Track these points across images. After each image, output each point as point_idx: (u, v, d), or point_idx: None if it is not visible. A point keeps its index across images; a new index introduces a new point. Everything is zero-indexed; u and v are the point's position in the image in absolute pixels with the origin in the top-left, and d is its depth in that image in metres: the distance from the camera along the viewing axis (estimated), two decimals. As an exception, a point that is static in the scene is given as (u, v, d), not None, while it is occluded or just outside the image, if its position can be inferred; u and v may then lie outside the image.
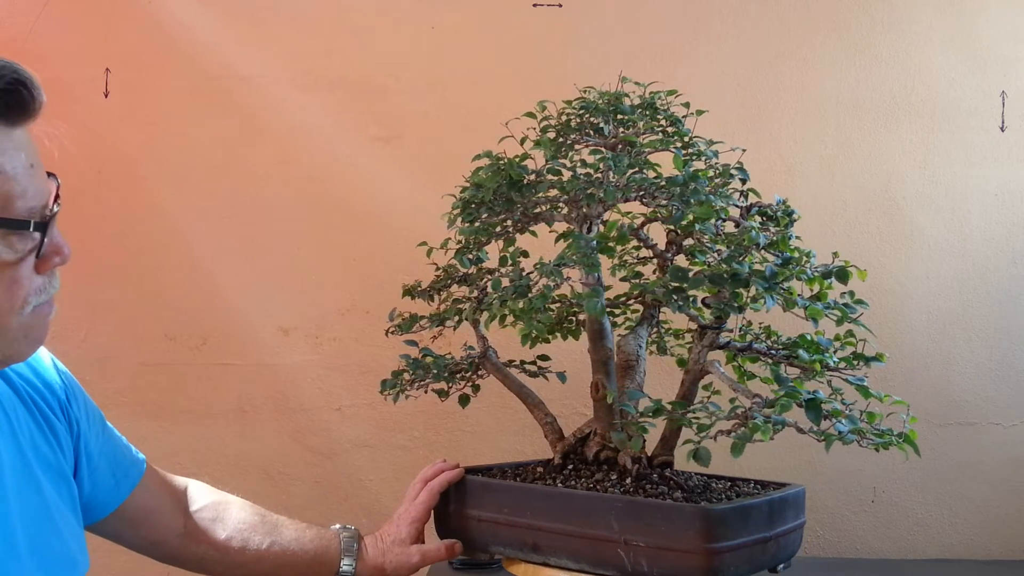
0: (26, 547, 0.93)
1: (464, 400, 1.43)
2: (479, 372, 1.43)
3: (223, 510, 1.26)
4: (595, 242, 1.23)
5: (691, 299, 1.23)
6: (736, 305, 1.17)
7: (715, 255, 1.22)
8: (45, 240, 0.87)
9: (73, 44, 2.00)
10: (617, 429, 1.29)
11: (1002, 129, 1.98)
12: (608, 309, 1.42)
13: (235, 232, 1.99)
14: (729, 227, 1.26)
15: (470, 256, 1.36)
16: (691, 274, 1.18)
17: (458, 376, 1.41)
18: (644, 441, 1.20)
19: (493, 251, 1.36)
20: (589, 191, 1.23)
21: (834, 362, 1.17)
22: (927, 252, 1.98)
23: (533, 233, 1.33)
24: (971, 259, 1.98)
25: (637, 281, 1.32)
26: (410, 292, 1.45)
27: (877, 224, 1.98)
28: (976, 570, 1.85)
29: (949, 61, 1.99)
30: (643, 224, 1.30)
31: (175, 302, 1.98)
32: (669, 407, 1.15)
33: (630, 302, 1.46)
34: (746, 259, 1.17)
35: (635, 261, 1.41)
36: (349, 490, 1.96)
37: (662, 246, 1.35)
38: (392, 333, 1.42)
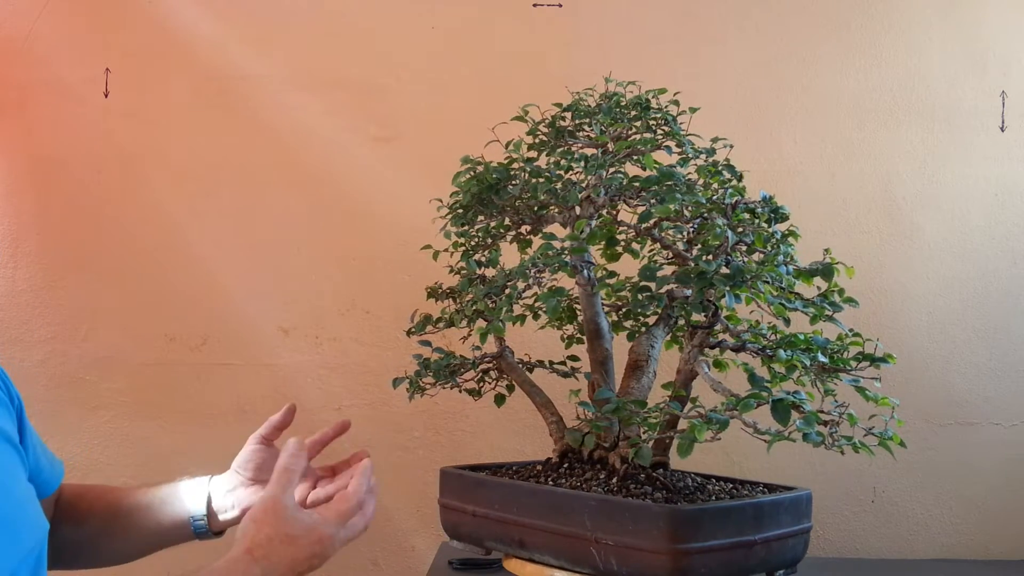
0: None
1: (499, 399, 1.47)
2: (501, 372, 1.45)
3: (80, 511, 1.19)
4: (577, 242, 1.23)
5: (660, 299, 1.23)
6: (700, 303, 1.17)
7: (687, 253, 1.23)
8: None
9: (73, 44, 2.00)
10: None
11: (1002, 129, 1.98)
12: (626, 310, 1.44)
13: (235, 232, 2.00)
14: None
15: (479, 258, 1.38)
16: (659, 273, 1.19)
17: (456, 376, 1.42)
18: (593, 440, 1.21)
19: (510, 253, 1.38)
20: (562, 193, 1.24)
21: (827, 361, 1.17)
22: (927, 252, 1.98)
23: (549, 235, 1.33)
24: (971, 259, 1.98)
25: (608, 282, 1.32)
26: (433, 294, 1.47)
27: (877, 224, 1.98)
28: (976, 570, 1.85)
29: (949, 61, 1.99)
30: (655, 224, 1.30)
31: (175, 302, 1.98)
32: (632, 406, 1.15)
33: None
34: (717, 257, 1.17)
35: (665, 261, 1.39)
36: (349, 490, 1.96)
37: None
38: (412, 333, 1.44)
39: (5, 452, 1.00)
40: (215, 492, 1.18)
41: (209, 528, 1.17)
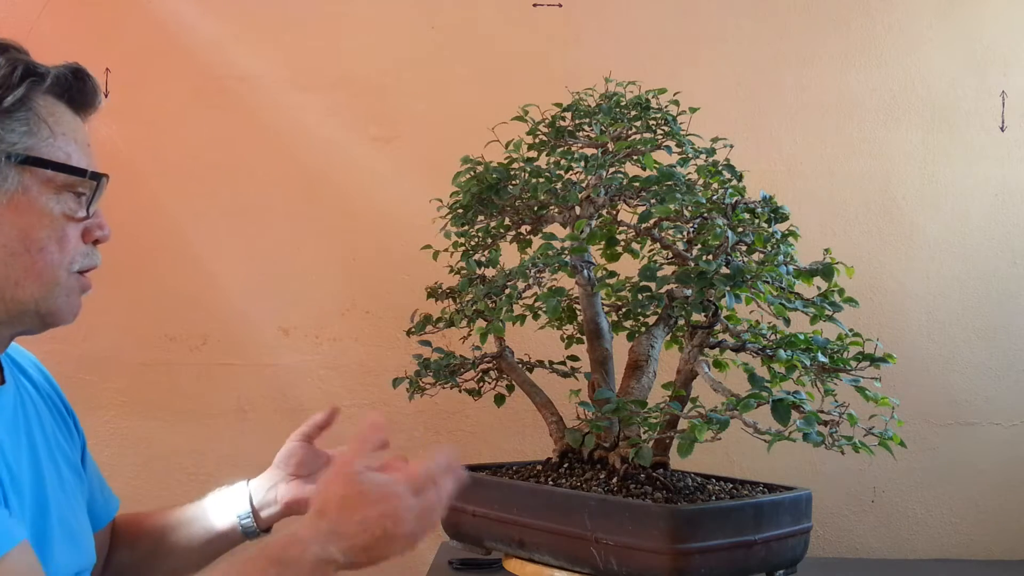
0: (59, 530, 0.96)
1: (499, 400, 1.48)
2: (501, 372, 1.46)
3: (132, 534, 1.23)
4: (577, 242, 1.24)
5: (660, 298, 1.23)
6: (700, 303, 1.17)
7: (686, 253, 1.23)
8: (92, 207, 0.94)
9: (73, 44, 2.00)
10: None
11: (1002, 129, 1.98)
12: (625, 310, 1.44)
13: (235, 232, 1.99)
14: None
15: (479, 258, 1.38)
16: (659, 273, 1.19)
17: (456, 376, 1.43)
18: (593, 440, 1.21)
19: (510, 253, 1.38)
20: (563, 193, 1.24)
21: (827, 361, 1.16)
22: (927, 252, 1.98)
23: (549, 235, 1.33)
24: (971, 259, 1.97)
25: (608, 282, 1.33)
26: (433, 294, 1.47)
27: (877, 224, 1.98)
28: (976, 570, 1.85)
29: (949, 61, 1.99)
30: (655, 224, 1.30)
31: (175, 302, 1.98)
32: (632, 406, 1.15)
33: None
34: (718, 257, 1.17)
35: (665, 261, 1.39)
36: (349, 490, 1.96)
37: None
38: (412, 333, 1.44)
39: (72, 477, 1.05)
40: (255, 492, 1.22)
41: (256, 526, 1.20)
